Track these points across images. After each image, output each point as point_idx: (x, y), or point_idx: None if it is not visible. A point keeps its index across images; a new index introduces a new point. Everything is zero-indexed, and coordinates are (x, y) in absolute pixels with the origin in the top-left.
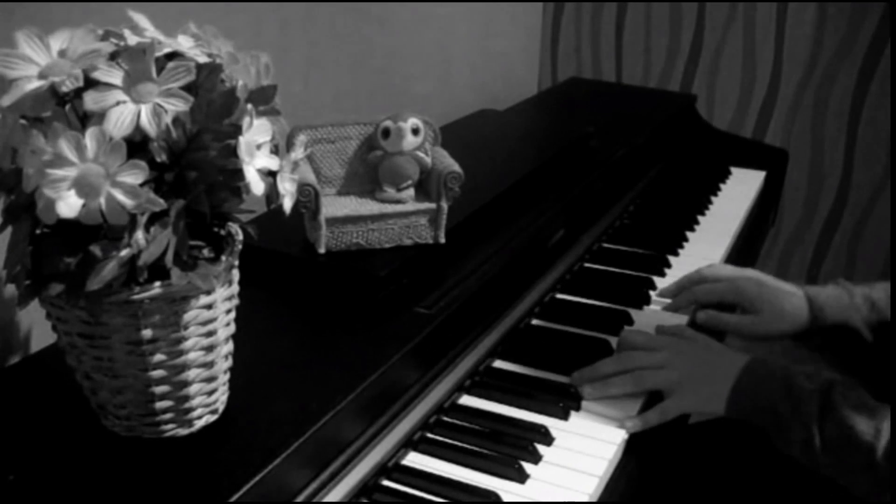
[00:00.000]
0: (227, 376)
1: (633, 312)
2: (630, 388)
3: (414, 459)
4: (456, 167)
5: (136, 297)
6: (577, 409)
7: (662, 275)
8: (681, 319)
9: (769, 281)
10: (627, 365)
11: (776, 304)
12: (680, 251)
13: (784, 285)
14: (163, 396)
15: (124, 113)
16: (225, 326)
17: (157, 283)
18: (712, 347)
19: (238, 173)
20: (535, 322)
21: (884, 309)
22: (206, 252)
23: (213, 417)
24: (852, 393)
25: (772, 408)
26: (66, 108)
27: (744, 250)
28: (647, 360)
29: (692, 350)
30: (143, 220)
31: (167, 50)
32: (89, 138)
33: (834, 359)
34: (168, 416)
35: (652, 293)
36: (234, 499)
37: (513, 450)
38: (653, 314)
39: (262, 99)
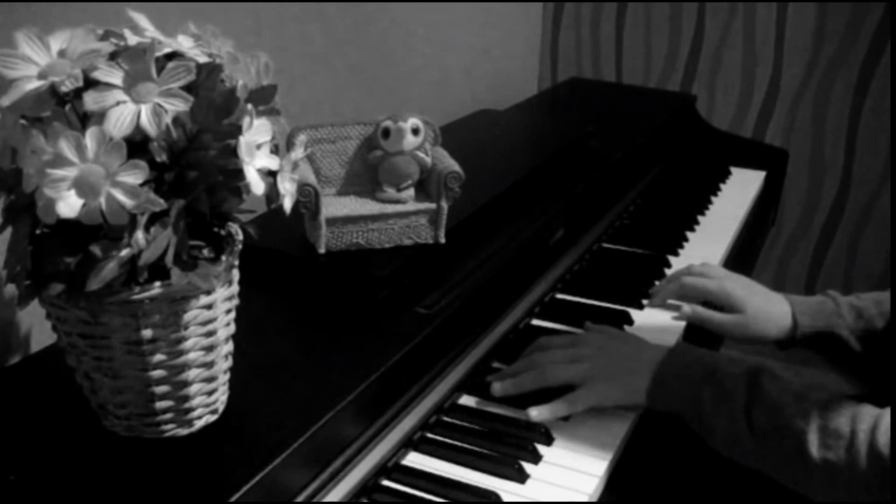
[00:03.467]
0: (227, 376)
1: (633, 312)
2: (538, 383)
3: (414, 459)
4: (456, 167)
5: (136, 297)
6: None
7: (662, 275)
8: (678, 322)
9: (756, 285)
10: (537, 361)
11: (763, 308)
12: (680, 251)
13: (769, 291)
14: (163, 396)
15: (124, 113)
16: (225, 326)
17: (157, 283)
18: (631, 340)
19: (238, 173)
20: (535, 322)
21: (871, 318)
22: (206, 252)
23: (213, 417)
24: (779, 379)
25: (695, 396)
26: (66, 108)
27: (744, 250)
28: (559, 357)
29: (610, 343)
30: (143, 220)
31: (167, 50)
32: (89, 138)
33: (834, 361)
34: (168, 416)
35: (652, 293)
36: (234, 499)
37: (513, 450)
38: (653, 314)
39: (262, 99)
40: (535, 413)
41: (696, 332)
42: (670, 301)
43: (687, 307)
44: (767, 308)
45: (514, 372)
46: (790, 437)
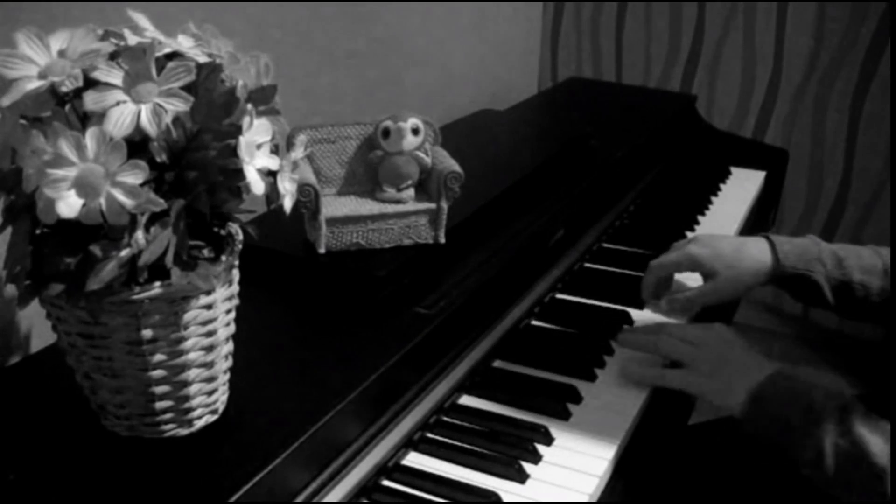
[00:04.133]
0: (227, 376)
1: (633, 312)
2: (649, 348)
3: (414, 459)
4: (456, 167)
5: (136, 297)
6: (578, 406)
7: None
8: (681, 320)
9: (722, 239)
10: (661, 329)
11: (732, 262)
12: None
13: (742, 238)
14: (163, 396)
15: (124, 113)
16: (225, 326)
17: (157, 283)
18: (750, 357)
19: (238, 173)
20: (535, 322)
21: (851, 269)
22: (206, 252)
23: (213, 417)
24: (870, 416)
25: (786, 420)
26: (66, 108)
27: None
28: (681, 332)
29: (731, 344)
30: (143, 220)
31: (167, 50)
32: (89, 138)
33: (804, 300)
34: (168, 416)
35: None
36: (234, 499)
37: (513, 450)
38: (653, 314)
39: (262, 99)
40: (629, 371)
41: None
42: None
43: (663, 302)
44: (738, 261)
45: (639, 331)
46: (872, 477)
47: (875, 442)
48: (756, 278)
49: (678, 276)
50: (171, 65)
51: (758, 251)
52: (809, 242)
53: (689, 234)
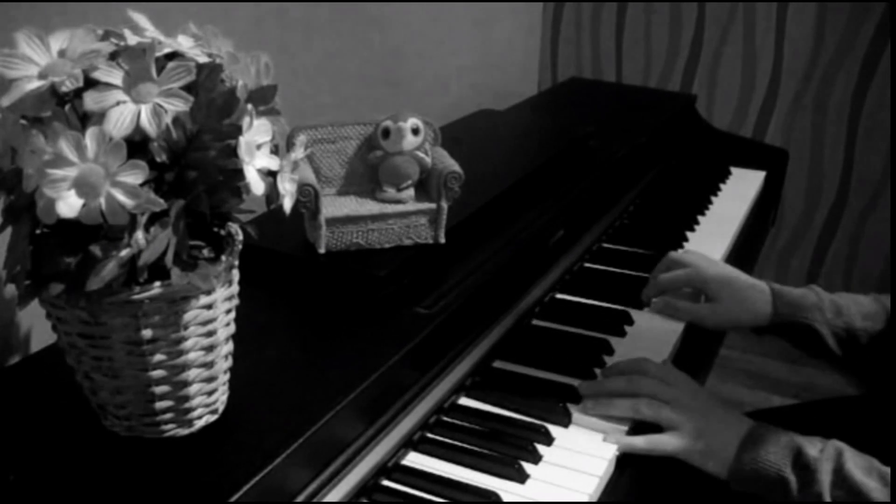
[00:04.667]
0: (227, 376)
1: (633, 312)
2: (630, 413)
3: (414, 459)
4: (456, 167)
5: (136, 297)
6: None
7: None
8: (677, 324)
9: (734, 272)
10: (636, 389)
11: (738, 294)
12: (680, 251)
13: (749, 278)
14: (163, 396)
15: (124, 113)
16: (225, 326)
17: (157, 283)
18: (719, 409)
19: (238, 173)
20: (535, 322)
21: (852, 316)
22: (206, 252)
23: (213, 417)
24: (862, 460)
25: (779, 477)
26: (66, 108)
27: (744, 250)
28: (658, 391)
29: (704, 399)
30: (143, 220)
31: (167, 50)
32: (89, 138)
33: (806, 349)
34: (168, 416)
35: None
36: (234, 499)
37: (513, 450)
38: (652, 314)
39: (262, 99)
40: (614, 439)
41: (695, 332)
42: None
43: (659, 300)
44: (742, 296)
45: (609, 391)
46: None
47: (873, 486)
48: (754, 320)
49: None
50: (171, 65)
51: (760, 295)
52: (808, 292)
53: (689, 234)
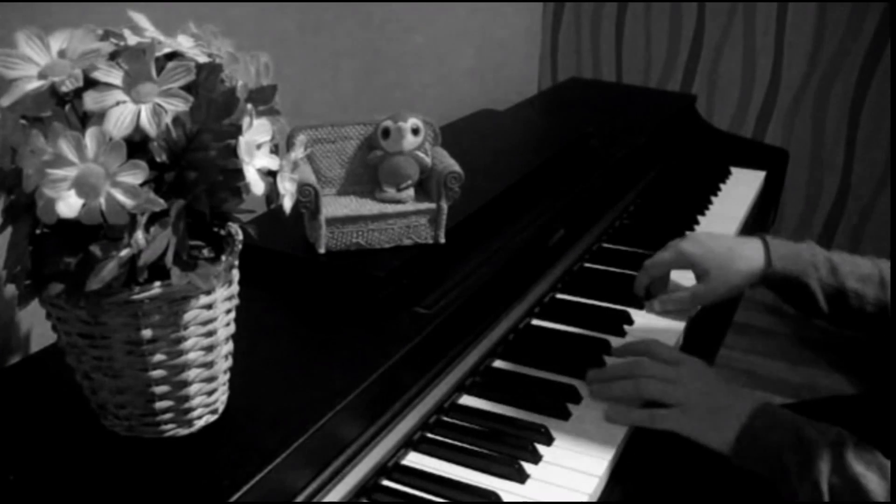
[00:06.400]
0: (227, 376)
1: (633, 312)
2: (632, 391)
3: (414, 459)
4: (456, 167)
5: (136, 297)
6: (578, 406)
7: None
8: (679, 322)
9: (716, 238)
10: (639, 371)
11: (724, 261)
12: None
13: (736, 238)
14: (163, 396)
15: (124, 113)
16: (225, 326)
17: (157, 283)
18: (725, 382)
19: (238, 173)
20: (535, 322)
21: (845, 276)
22: (206, 252)
23: (213, 417)
24: (864, 450)
25: (779, 459)
26: (66, 108)
27: None
28: (660, 371)
29: (707, 376)
30: (143, 220)
31: (167, 50)
32: (89, 138)
33: (796, 305)
34: (168, 416)
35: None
36: (234, 499)
37: (513, 450)
38: (653, 314)
39: (262, 99)
40: (612, 413)
41: (697, 331)
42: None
43: (655, 303)
44: (730, 260)
45: (611, 376)
46: None
47: (871, 478)
48: (747, 279)
49: (676, 277)
50: (170, 65)
51: (751, 251)
52: (805, 247)
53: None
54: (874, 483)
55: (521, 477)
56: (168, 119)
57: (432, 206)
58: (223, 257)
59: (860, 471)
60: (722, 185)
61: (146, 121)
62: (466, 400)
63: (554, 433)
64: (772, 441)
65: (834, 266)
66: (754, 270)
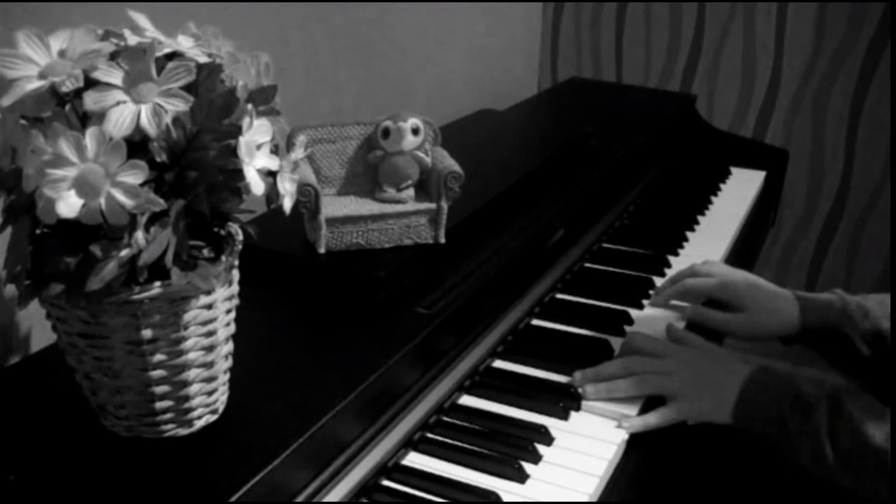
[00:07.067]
0: (227, 376)
1: (633, 312)
2: (632, 391)
3: (414, 459)
4: (456, 167)
5: (136, 297)
6: (577, 409)
7: (662, 275)
8: (678, 322)
9: (760, 282)
10: (631, 368)
11: (766, 304)
12: (680, 251)
13: (775, 287)
14: (163, 396)
15: (124, 113)
16: (225, 326)
17: (157, 283)
18: (717, 355)
19: (238, 173)
20: (535, 322)
21: (878, 318)
22: (206, 252)
23: (213, 417)
24: (861, 399)
25: (780, 418)
26: (66, 108)
27: (744, 250)
28: (652, 366)
29: (697, 358)
30: (143, 220)
31: (167, 50)
32: (89, 138)
33: (836, 361)
34: (168, 416)
35: (652, 293)
36: (234, 499)
37: (513, 450)
38: (653, 314)
39: (262, 99)
40: (628, 425)
41: (697, 331)
42: (672, 302)
43: (689, 307)
44: (771, 305)
45: (607, 375)
46: (873, 457)
47: (871, 423)
48: (784, 329)
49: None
50: (171, 65)
51: (787, 303)
52: (834, 297)
53: (690, 234)
54: (873, 427)
55: (521, 477)
56: (168, 119)
57: (432, 206)
58: (223, 257)
59: (859, 417)
60: (722, 185)
61: (146, 121)
62: (466, 400)
63: (554, 433)
64: (770, 401)
65: (866, 311)
66: (790, 322)
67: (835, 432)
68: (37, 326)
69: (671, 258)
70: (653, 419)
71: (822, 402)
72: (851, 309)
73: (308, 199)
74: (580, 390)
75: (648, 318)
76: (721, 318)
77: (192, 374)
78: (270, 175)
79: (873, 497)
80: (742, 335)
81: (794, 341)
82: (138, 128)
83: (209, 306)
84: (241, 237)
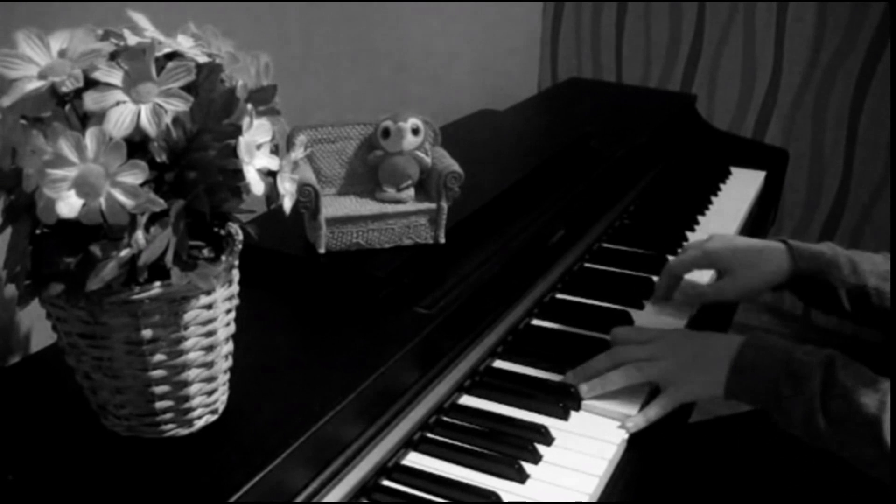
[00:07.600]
0: (227, 376)
1: (633, 312)
2: (625, 380)
3: (414, 459)
4: (456, 167)
5: (136, 297)
6: (577, 408)
7: None
8: (679, 321)
9: (739, 241)
10: (618, 359)
11: (749, 261)
12: (680, 251)
13: (759, 241)
14: (163, 396)
15: (124, 113)
16: (225, 326)
17: (157, 283)
18: (702, 338)
19: (238, 173)
20: (535, 322)
21: (866, 274)
22: (206, 252)
23: (213, 417)
24: (853, 366)
25: (772, 385)
26: (66, 108)
27: None
28: (640, 353)
29: (684, 338)
30: (143, 220)
31: (167, 50)
32: (89, 138)
33: (817, 304)
34: (168, 416)
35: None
36: (234, 499)
37: (513, 450)
38: (653, 314)
39: (262, 99)
40: (632, 424)
41: (698, 328)
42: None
43: (677, 293)
44: (754, 260)
45: (597, 370)
46: (865, 424)
47: (863, 391)
48: (773, 280)
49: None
50: (170, 65)
51: (776, 254)
52: (826, 248)
53: (690, 235)
54: (866, 396)
55: (521, 477)
56: (168, 119)
57: (432, 206)
58: (223, 257)
59: (851, 385)
60: (722, 185)
61: (146, 121)
62: (466, 400)
63: (554, 433)
64: (762, 370)
65: (855, 265)
66: (780, 272)
67: (826, 397)
68: (37, 326)
69: (671, 258)
70: (652, 412)
71: (816, 369)
72: (841, 261)
73: (308, 199)
74: (576, 389)
75: (648, 318)
76: (711, 288)
77: (192, 374)
78: (270, 175)
79: (859, 463)
80: (734, 297)
81: (782, 287)
82: (138, 128)
83: (209, 306)
84: (241, 237)
